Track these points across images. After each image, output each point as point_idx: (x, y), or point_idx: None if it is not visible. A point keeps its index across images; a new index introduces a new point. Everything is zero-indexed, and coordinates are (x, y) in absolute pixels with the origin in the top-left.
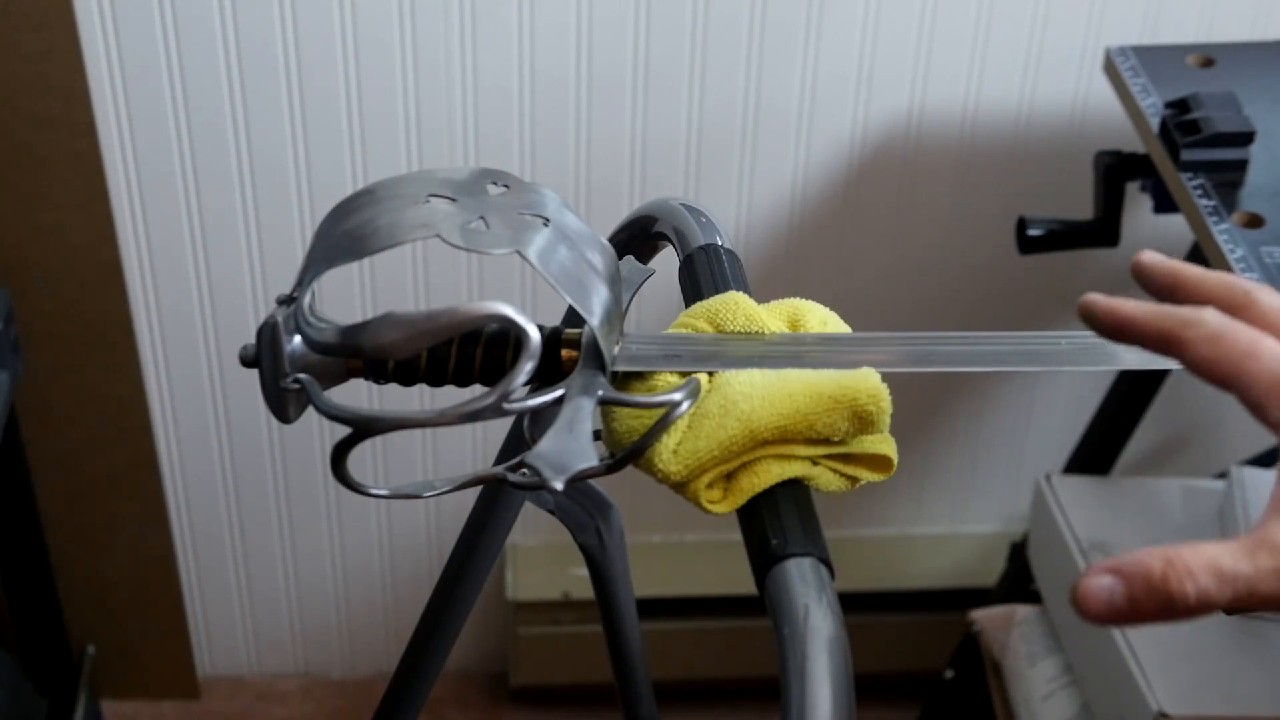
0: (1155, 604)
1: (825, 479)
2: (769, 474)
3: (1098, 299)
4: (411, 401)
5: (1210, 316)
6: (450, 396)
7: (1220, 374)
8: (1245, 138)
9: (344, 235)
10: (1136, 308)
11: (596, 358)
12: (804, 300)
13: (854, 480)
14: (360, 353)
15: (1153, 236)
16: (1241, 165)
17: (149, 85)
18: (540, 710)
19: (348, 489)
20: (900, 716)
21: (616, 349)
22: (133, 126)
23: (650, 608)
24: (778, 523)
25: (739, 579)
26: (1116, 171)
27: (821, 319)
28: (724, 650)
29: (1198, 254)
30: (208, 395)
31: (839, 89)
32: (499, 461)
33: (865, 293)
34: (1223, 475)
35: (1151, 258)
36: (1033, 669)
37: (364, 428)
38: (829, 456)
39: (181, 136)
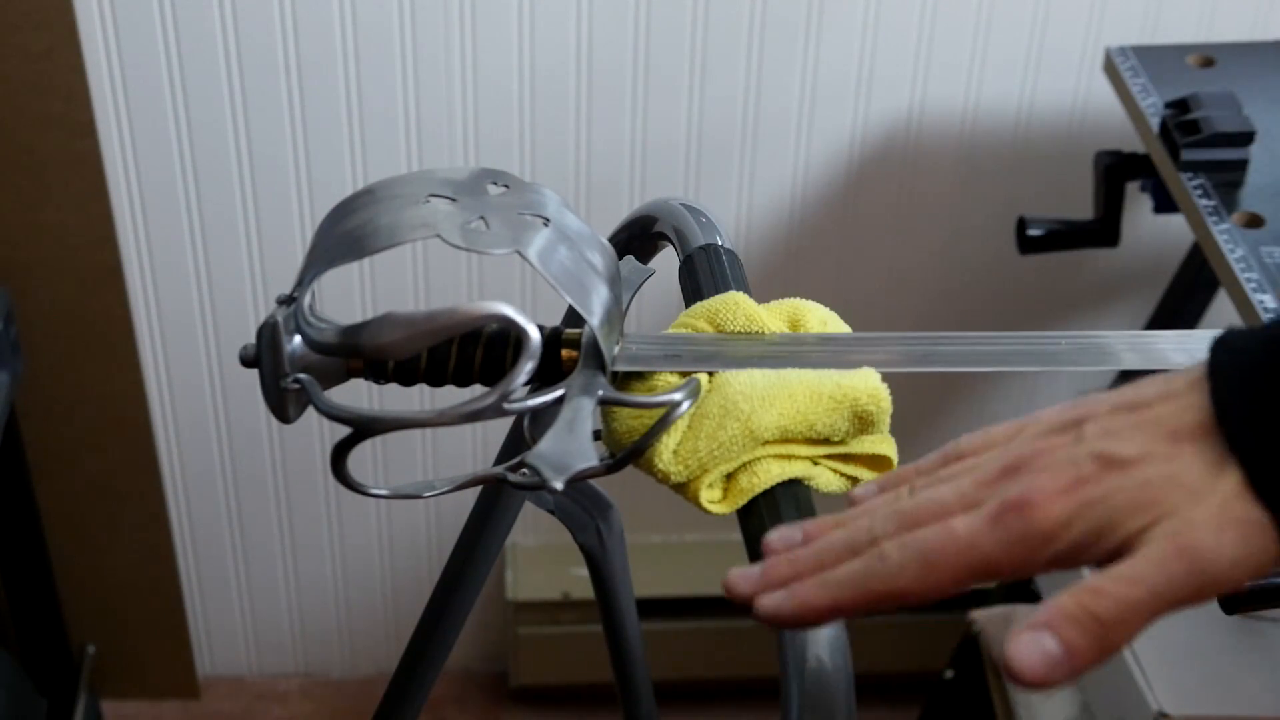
0: (1084, 635)
1: (825, 479)
2: (769, 474)
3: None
4: (411, 401)
5: (869, 526)
6: (450, 396)
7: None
8: (1245, 138)
9: (344, 235)
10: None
11: (596, 358)
12: (804, 300)
13: (854, 480)
14: (360, 353)
15: (1153, 236)
16: (1241, 165)
17: (149, 85)
18: (540, 710)
19: (348, 489)
20: (900, 716)
21: (616, 349)
22: (133, 126)
23: (650, 608)
24: (778, 523)
25: None
26: (1116, 171)
27: (821, 319)
28: (724, 650)
29: (1198, 254)
30: (208, 395)
31: (839, 89)
32: (499, 461)
33: (865, 293)
34: None
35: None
36: None
37: (364, 428)
38: (829, 456)
39: (181, 136)
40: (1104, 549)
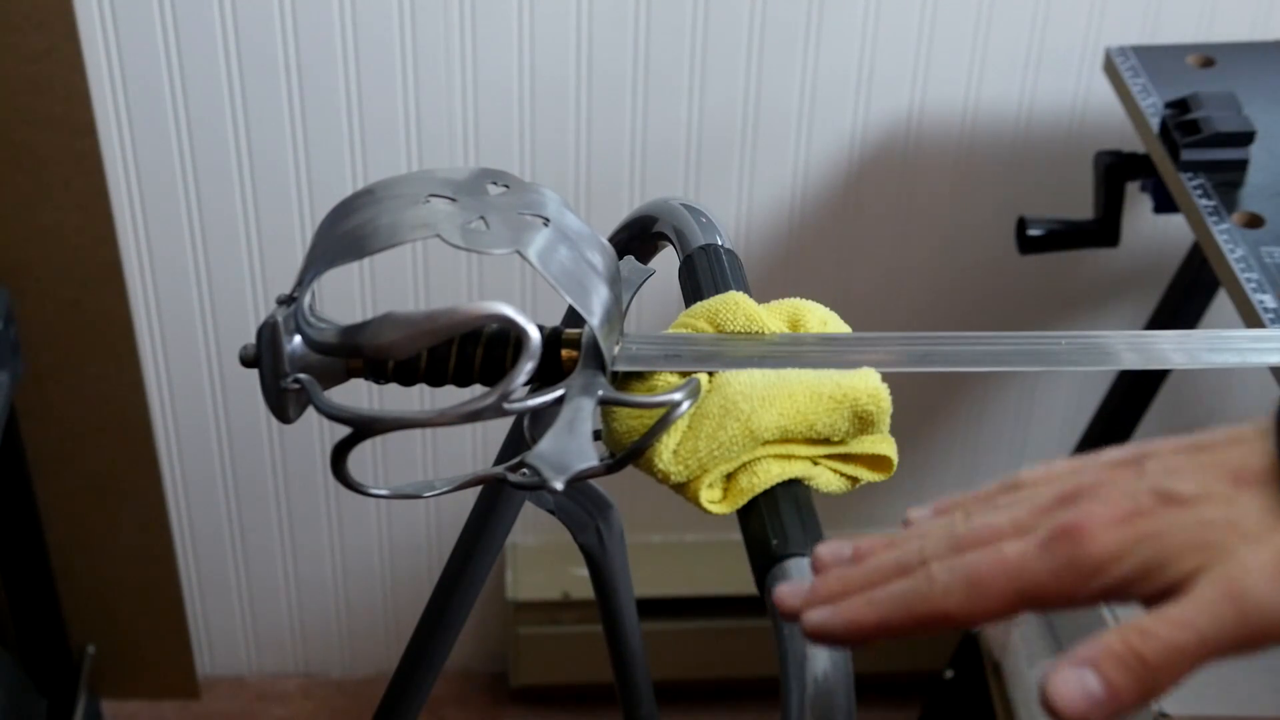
0: (1128, 675)
1: (825, 479)
2: (769, 474)
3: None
4: (411, 401)
5: (921, 549)
6: (450, 396)
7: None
8: (1245, 138)
9: (344, 235)
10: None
11: (596, 358)
12: (804, 300)
13: (854, 480)
14: (360, 353)
15: (1153, 236)
16: (1241, 165)
17: (149, 85)
18: (540, 710)
19: (348, 489)
20: (900, 716)
21: (616, 349)
22: (133, 126)
23: (650, 608)
24: (778, 523)
25: (739, 579)
26: (1116, 171)
27: (821, 319)
28: (724, 650)
29: (1198, 254)
30: (208, 395)
31: (839, 89)
32: (499, 461)
33: (865, 293)
34: None
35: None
36: (1032, 669)
37: (364, 428)
38: (829, 456)
39: (181, 136)
40: (1155, 587)
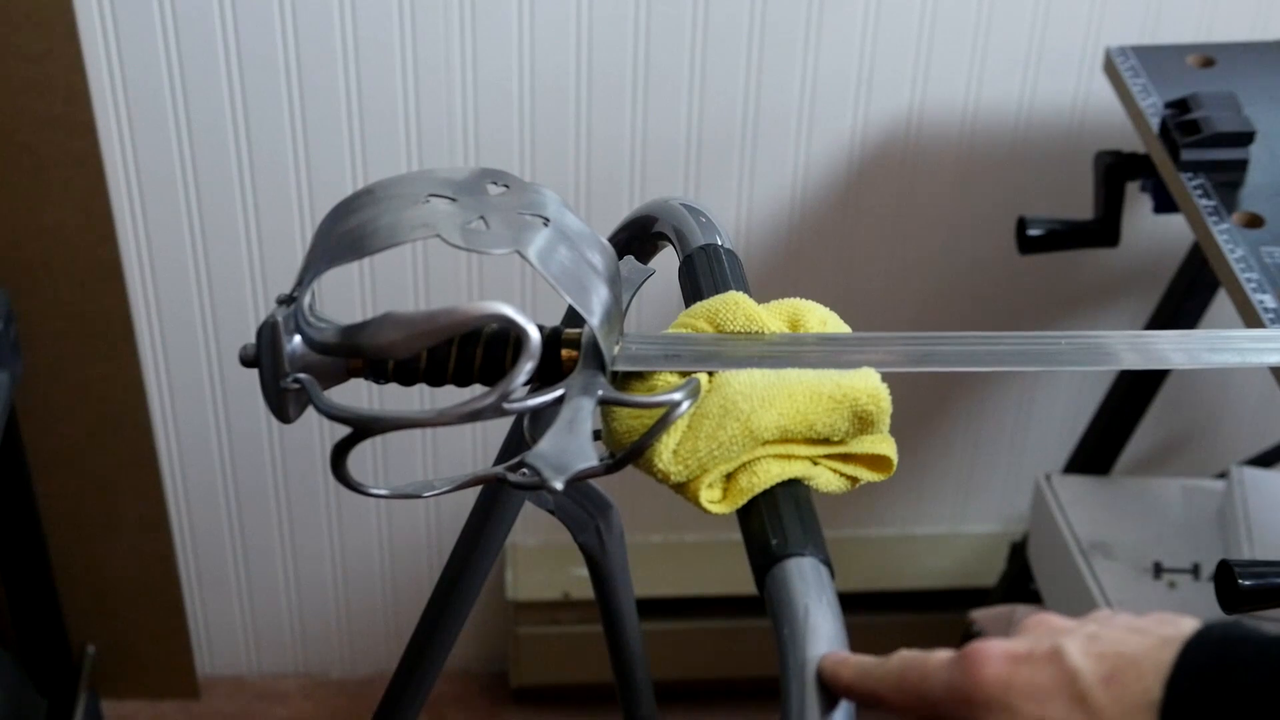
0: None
1: (825, 479)
2: (769, 474)
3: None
4: (411, 401)
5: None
6: (450, 396)
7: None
8: (1245, 138)
9: (344, 235)
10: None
11: (596, 358)
12: (804, 300)
13: (854, 480)
14: (360, 353)
15: (1153, 236)
16: (1241, 165)
17: (149, 85)
18: (540, 710)
19: (348, 489)
20: (901, 716)
21: (616, 349)
22: (133, 126)
23: (650, 608)
24: (778, 523)
25: (739, 579)
26: (1116, 171)
27: (821, 319)
28: (724, 650)
29: (1198, 254)
30: (208, 395)
31: (839, 89)
32: (499, 461)
33: (865, 293)
34: (1223, 475)
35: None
36: None
37: (364, 428)
38: (829, 456)
39: (181, 136)
40: None
